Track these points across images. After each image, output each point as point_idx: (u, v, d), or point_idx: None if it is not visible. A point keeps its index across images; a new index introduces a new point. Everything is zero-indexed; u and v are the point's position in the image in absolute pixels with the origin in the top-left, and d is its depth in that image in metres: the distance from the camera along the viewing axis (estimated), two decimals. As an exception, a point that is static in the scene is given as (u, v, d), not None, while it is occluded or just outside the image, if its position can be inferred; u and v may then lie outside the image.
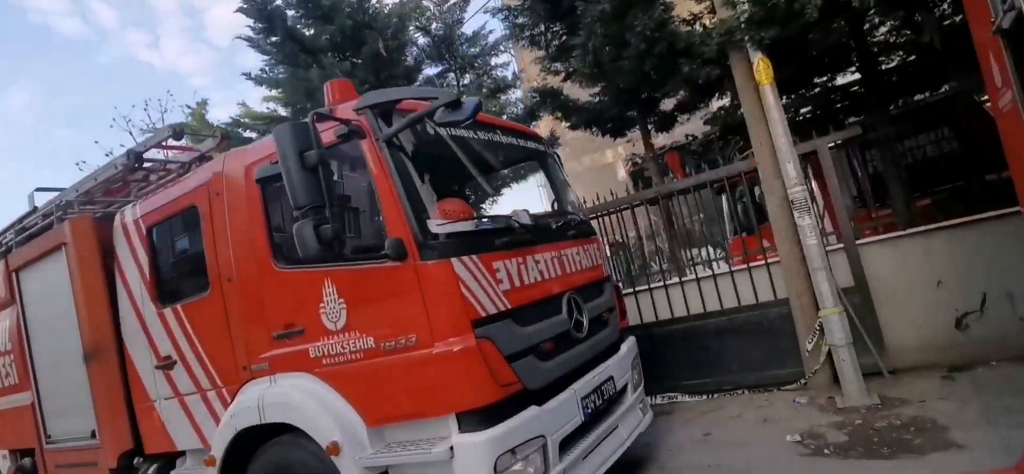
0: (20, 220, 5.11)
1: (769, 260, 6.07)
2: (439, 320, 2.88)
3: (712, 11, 6.63)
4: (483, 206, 7.66)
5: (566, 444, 3.27)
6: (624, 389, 4.08)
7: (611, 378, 3.89)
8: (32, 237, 4.89)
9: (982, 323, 5.12)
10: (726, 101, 8.06)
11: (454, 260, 2.95)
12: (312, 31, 8.17)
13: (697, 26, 6.50)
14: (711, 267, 6.64)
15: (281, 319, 3.39)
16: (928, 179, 7.70)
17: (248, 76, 9.66)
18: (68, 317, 4.43)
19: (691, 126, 8.81)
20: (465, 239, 3.11)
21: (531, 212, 3.74)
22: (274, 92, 10.34)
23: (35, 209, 5.05)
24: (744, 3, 5.03)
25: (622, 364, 4.11)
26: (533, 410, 3.05)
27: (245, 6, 8.11)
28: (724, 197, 10.34)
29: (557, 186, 4.56)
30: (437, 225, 3.01)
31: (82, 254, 4.27)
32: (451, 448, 2.82)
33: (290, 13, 8.09)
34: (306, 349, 3.28)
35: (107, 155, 16.03)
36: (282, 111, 10.02)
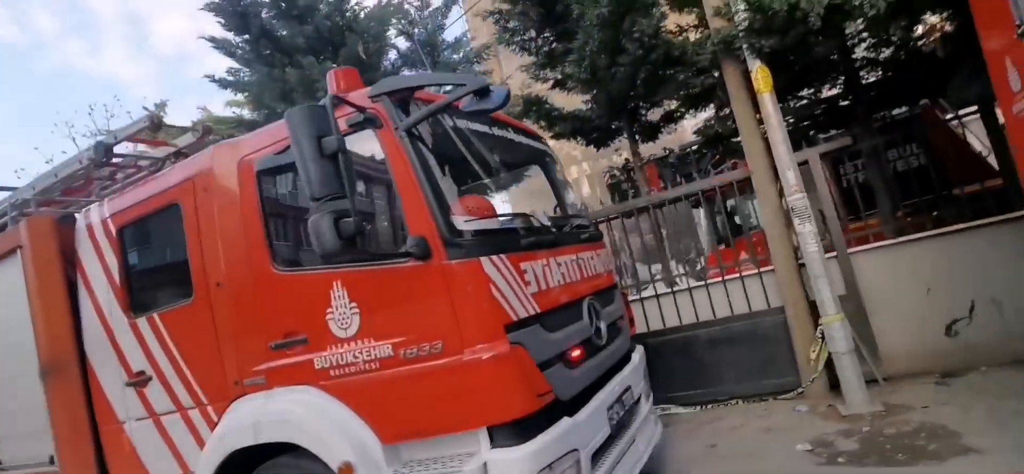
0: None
1: (762, 269, 6.09)
2: (469, 324, 2.63)
3: (700, 24, 6.69)
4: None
5: (594, 458, 3.06)
6: (638, 400, 3.91)
7: (629, 388, 3.71)
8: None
9: (971, 329, 5.22)
10: (710, 113, 8.12)
11: (483, 259, 2.72)
12: (286, 32, 7.78)
13: (685, 36, 6.50)
14: (688, 279, 6.58)
15: (280, 327, 3.05)
16: (898, 193, 7.96)
17: (212, 78, 9.15)
18: (22, 329, 3.91)
19: (671, 139, 8.84)
20: (492, 237, 2.88)
21: (545, 214, 3.56)
22: (239, 96, 9.85)
23: (-18, 211, 4.50)
24: (743, 12, 5.03)
25: (636, 373, 3.94)
26: (566, 422, 2.83)
27: (214, 3, 7.67)
28: (702, 210, 10.52)
29: (562, 190, 4.38)
30: (463, 222, 2.77)
31: (41, 258, 3.79)
32: (484, 465, 2.56)
33: (264, 14, 7.69)
34: (310, 360, 2.95)
35: (48, 163, 14.93)
36: (248, 115, 9.54)
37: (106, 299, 3.67)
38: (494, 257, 2.76)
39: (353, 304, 2.85)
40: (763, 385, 5.89)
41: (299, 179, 3.07)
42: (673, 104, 7.75)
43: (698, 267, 8.11)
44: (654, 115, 7.76)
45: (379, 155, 2.83)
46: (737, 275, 6.13)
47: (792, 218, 5.18)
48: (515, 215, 3.18)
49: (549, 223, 3.44)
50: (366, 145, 2.85)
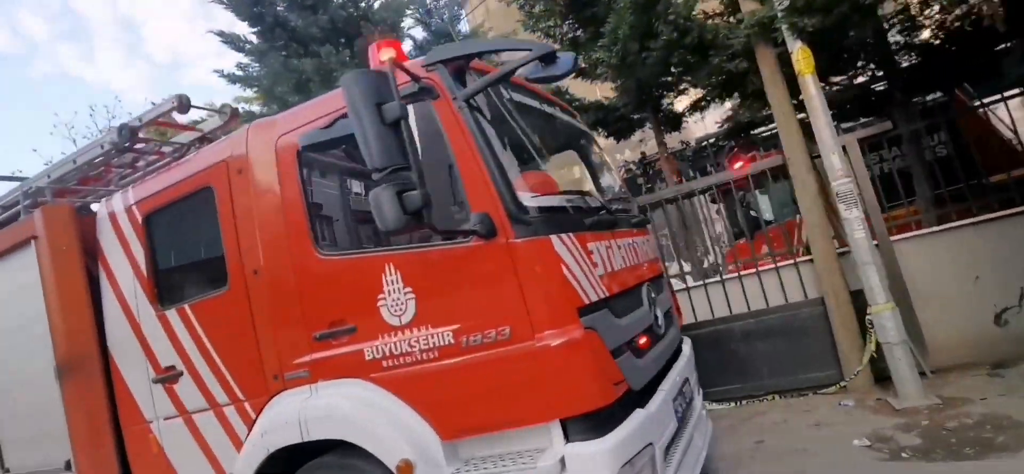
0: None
1: (797, 260, 5.90)
2: (539, 307, 2.42)
3: (727, 11, 6.51)
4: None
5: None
6: (694, 394, 3.71)
7: (688, 379, 3.51)
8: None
9: (1021, 318, 5.04)
10: (720, 107, 7.94)
11: (553, 237, 2.51)
12: (300, 22, 7.56)
13: (715, 22, 6.31)
14: (721, 272, 6.37)
15: (325, 316, 2.83)
16: (941, 179, 7.75)
17: (221, 73, 8.94)
18: (34, 326, 3.68)
19: (685, 133, 8.65)
20: (559, 215, 2.67)
21: (597, 195, 3.36)
22: (249, 92, 9.64)
23: (-10, 201, 4.27)
24: (781, -8, 4.85)
25: (689, 365, 3.74)
26: (641, 414, 2.62)
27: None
28: (720, 204, 10.31)
29: (606, 172, 4.18)
30: (530, 198, 2.56)
31: (58, 247, 3.55)
32: (561, 460, 2.35)
33: (279, 6, 7.48)
34: (359, 350, 2.73)
35: (46, 164, 14.59)
36: (258, 110, 9.32)
37: (131, 291, 3.44)
38: (563, 236, 2.55)
39: (407, 289, 2.64)
40: (801, 379, 5.70)
41: (347, 155, 2.89)
42: (698, 93, 7.55)
43: (712, 262, 7.94)
44: (678, 105, 7.57)
45: (428, 130, 2.62)
46: (771, 266, 5.95)
47: (837, 204, 4.98)
48: (578, 193, 2.97)
49: (603, 204, 3.24)
50: (426, 116, 2.64)
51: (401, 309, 2.65)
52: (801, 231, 8.26)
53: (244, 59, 8.92)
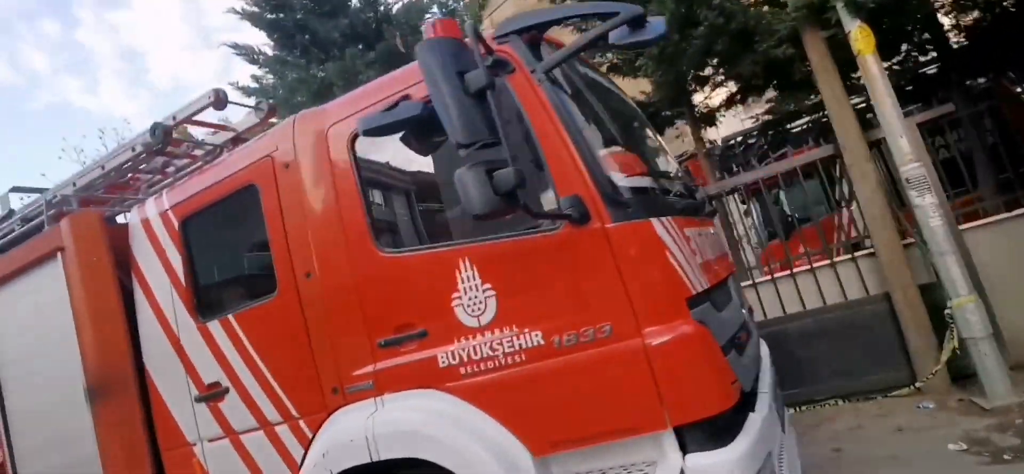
0: (-15, 230, 4.03)
1: (856, 255, 5.58)
2: (645, 299, 2.13)
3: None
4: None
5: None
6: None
7: (776, 381, 3.19)
8: (5, 249, 3.84)
9: (1106, 308, 4.70)
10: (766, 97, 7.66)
11: (654, 220, 2.22)
12: (320, 28, 7.36)
13: (759, 7, 6.04)
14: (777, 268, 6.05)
15: (390, 320, 2.54)
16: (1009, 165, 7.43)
17: (236, 86, 8.75)
18: (60, 346, 3.41)
19: (723, 127, 8.38)
20: (652, 198, 2.39)
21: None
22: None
23: (11, 213, 4.01)
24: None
25: (771, 367, 3.42)
26: (756, 418, 2.31)
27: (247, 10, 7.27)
28: (750, 204, 9.99)
29: (669, 159, 3.89)
30: (622, 179, 2.28)
31: (87, 258, 3.29)
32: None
33: (298, 14, 7.29)
34: (431, 357, 2.44)
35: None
36: (275, 122, 9.10)
37: (168, 303, 3.16)
38: (663, 219, 2.26)
39: (486, 286, 2.35)
40: (867, 381, 5.33)
41: (413, 139, 2.60)
42: (732, 89, 7.28)
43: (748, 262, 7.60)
44: (713, 100, 7.30)
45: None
46: (826, 262, 5.63)
47: (907, 192, 4.67)
48: (662, 175, 2.69)
49: (685, 189, 2.96)
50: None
51: (480, 309, 2.36)
52: (843, 228, 7.99)
53: (258, 72, 8.77)
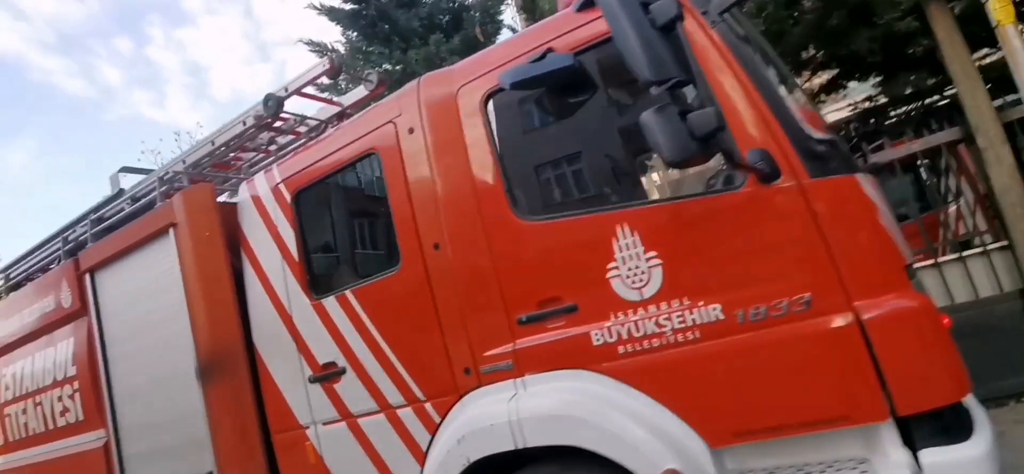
0: (97, 209, 4.06)
1: (988, 247, 5.04)
2: (858, 267, 1.81)
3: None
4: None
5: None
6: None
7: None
8: (116, 226, 3.83)
9: None
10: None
11: (858, 176, 1.90)
12: (401, 17, 7.32)
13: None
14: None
15: (533, 294, 2.31)
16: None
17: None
18: (170, 324, 3.35)
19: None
20: (847, 154, 2.08)
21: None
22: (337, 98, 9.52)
23: (120, 192, 4.01)
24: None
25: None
26: (980, 411, 1.95)
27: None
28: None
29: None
30: (814, 131, 1.98)
31: (201, 234, 3.21)
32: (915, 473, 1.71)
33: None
34: (583, 334, 2.19)
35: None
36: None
37: (280, 280, 3.03)
38: (867, 176, 1.95)
39: (650, 254, 2.08)
40: (1000, 386, 4.78)
41: (558, 95, 2.36)
42: (830, 74, 6.79)
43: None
44: (812, 84, 6.82)
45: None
46: (954, 256, 5.09)
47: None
48: (838, 131, 2.36)
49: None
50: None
51: (642, 280, 2.09)
52: (950, 225, 7.33)
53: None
